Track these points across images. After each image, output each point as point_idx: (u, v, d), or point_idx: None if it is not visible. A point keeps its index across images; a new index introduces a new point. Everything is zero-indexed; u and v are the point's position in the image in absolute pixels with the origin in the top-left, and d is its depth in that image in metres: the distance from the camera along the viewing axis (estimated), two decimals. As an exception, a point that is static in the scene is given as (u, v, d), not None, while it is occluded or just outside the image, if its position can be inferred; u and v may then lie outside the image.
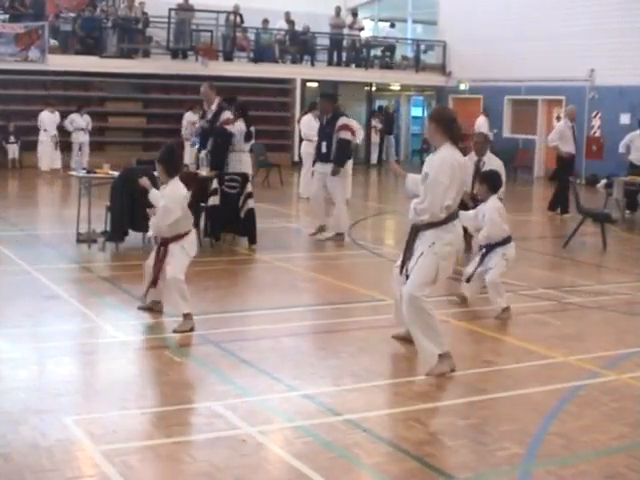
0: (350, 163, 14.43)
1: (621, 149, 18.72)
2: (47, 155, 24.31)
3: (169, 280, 8.07)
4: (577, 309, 9.76)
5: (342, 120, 13.84)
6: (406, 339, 7.68)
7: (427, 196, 6.94)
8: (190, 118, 23.40)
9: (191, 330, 7.99)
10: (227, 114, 13.37)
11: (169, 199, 8.03)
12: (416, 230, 7.13)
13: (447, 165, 6.91)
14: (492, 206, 9.19)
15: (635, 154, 18.23)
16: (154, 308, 8.64)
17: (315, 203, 14.41)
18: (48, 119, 24.35)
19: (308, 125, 19.73)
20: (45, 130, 24.31)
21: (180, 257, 8.13)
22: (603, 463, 5.39)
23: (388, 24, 33.93)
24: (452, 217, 7.01)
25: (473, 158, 11.62)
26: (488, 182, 9.40)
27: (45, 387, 6.57)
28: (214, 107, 13.45)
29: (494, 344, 8.02)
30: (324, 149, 13.90)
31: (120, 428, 5.68)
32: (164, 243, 8.17)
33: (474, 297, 9.45)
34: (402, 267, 7.25)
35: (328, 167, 13.81)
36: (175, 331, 7.99)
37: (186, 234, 8.19)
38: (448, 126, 7.01)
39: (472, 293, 9.43)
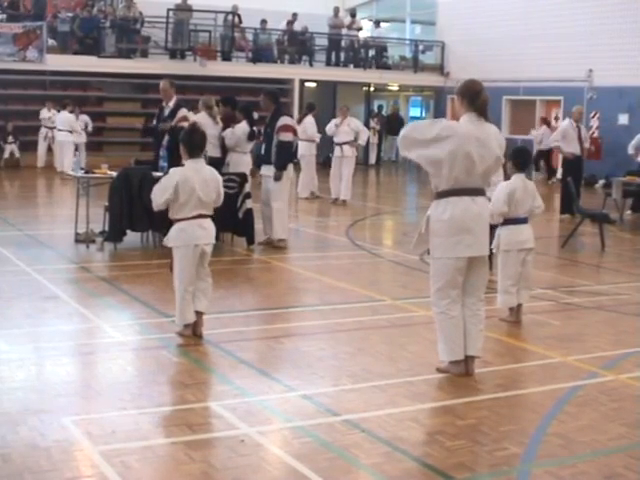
0: (292, 166, 13.21)
1: (630, 150, 18.62)
2: (70, 156, 23.77)
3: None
4: (576, 309, 9.76)
5: (282, 120, 12.96)
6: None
7: None
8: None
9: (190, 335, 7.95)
10: (183, 112, 13.22)
11: (166, 177, 7.89)
12: None
13: (444, 124, 6.86)
14: (506, 184, 8.80)
15: None
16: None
17: (264, 209, 13.30)
18: (68, 119, 23.86)
19: (312, 126, 19.94)
20: (71, 132, 23.81)
21: (174, 255, 7.93)
22: (602, 463, 5.39)
23: (385, 24, 33.98)
24: (451, 193, 6.80)
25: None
26: (515, 158, 8.93)
27: (44, 387, 6.56)
28: (172, 104, 13.20)
29: (492, 344, 8.00)
30: (263, 151, 13.15)
31: (119, 428, 5.68)
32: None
33: None
34: None
35: (272, 170, 12.93)
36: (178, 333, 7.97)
37: (178, 221, 7.81)
38: (472, 99, 6.85)
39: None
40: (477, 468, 5.25)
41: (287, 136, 12.91)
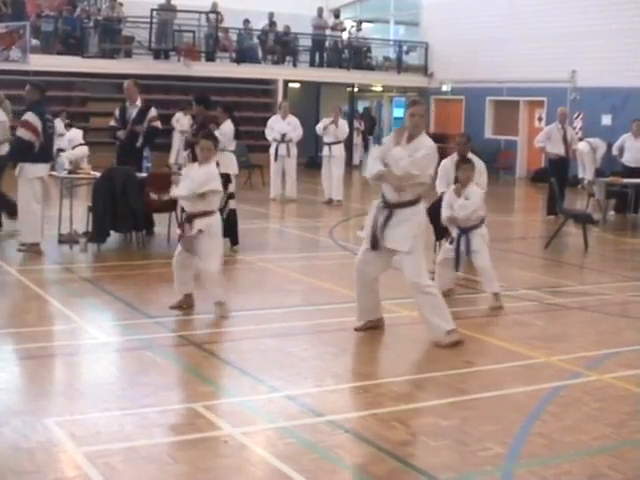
0: (42, 166, 11.69)
1: (614, 151, 18.71)
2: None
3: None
4: (559, 310, 9.79)
5: (24, 116, 11.68)
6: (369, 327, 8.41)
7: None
8: (180, 119, 23.24)
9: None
10: (154, 112, 13.24)
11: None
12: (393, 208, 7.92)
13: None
14: (476, 190, 9.65)
15: (627, 156, 18.20)
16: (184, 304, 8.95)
17: None
18: (80, 136, 22.56)
19: (269, 125, 19.98)
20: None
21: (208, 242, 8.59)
22: (585, 463, 5.40)
23: (369, 25, 34.01)
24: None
25: (455, 159, 11.51)
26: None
27: (26, 389, 6.54)
28: (139, 104, 13.23)
29: (475, 344, 8.02)
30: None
31: (102, 429, 5.66)
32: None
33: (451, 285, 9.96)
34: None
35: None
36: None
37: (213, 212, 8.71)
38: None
39: (449, 281, 9.89)
40: (461, 468, 5.26)
41: (22, 132, 11.60)
